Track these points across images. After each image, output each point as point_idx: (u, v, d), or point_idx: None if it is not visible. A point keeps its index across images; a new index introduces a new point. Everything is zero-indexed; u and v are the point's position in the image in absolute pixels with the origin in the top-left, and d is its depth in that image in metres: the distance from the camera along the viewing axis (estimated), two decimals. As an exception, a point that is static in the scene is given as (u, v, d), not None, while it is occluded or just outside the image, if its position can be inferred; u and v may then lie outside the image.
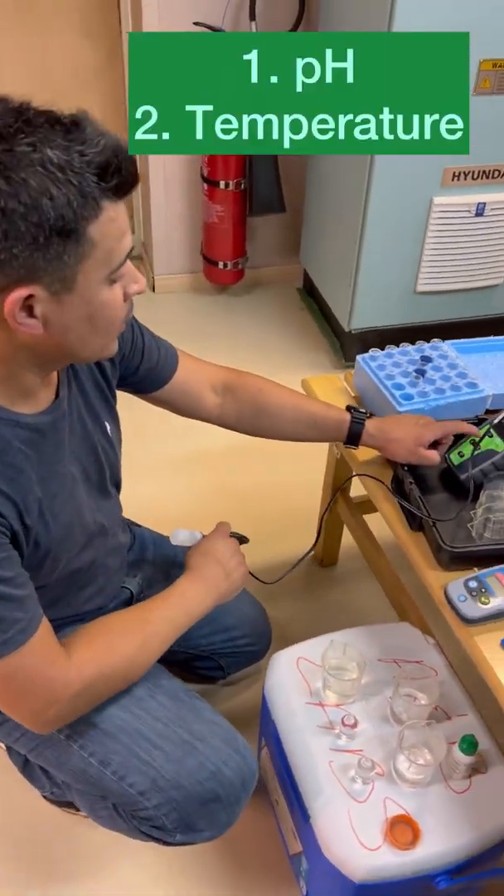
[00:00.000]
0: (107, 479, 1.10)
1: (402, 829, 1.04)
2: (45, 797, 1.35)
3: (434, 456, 1.27)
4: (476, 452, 1.28)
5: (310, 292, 2.86)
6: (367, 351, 1.52)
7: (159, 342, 1.18)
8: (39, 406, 0.92)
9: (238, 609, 1.43)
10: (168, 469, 2.10)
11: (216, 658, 1.46)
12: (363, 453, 1.41)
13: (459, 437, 1.32)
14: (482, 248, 2.27)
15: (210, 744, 1.07)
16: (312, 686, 1.20)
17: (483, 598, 1.09)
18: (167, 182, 2.66)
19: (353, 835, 1.03)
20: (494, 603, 1.08)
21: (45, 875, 1.29)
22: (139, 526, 1.44)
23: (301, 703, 1.18)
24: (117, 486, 1.17)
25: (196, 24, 2.34)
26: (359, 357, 1.51)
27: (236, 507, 1.96)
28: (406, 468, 1.29)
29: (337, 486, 1.62)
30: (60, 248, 0.75)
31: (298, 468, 2.07)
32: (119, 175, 0.76)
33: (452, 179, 2.14)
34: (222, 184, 2.53)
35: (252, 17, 2.35)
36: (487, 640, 1.07)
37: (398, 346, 1.55)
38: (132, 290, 0.86)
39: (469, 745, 1.06)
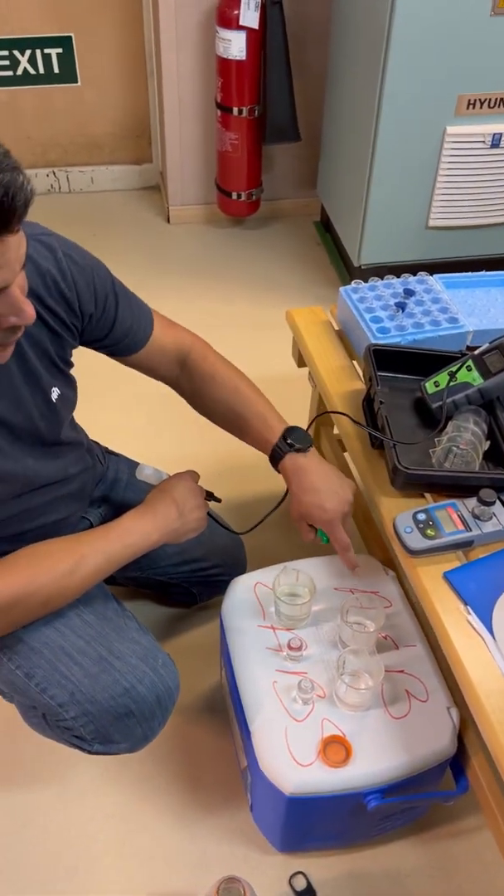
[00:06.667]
0: (45, 440, 1.08)
1: (336, 749, 1.07)
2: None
3: (307, 535, 1.20)
4: (451, 384, 1.27)
5: (326, 227, 2.80)
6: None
7: (135, 311, 1.13)
8: None
9: (209, 540, 1.44)
10: (159, 403, 2.10)
11: (186, 586, 1.50)
12: (337, 388, 1.40)
13: (437, 367, 1.30)
14: (498, 181, 2.19)
15: (127, 661, 1.10)
16: (266, 610, 1.23)
17: (430, 531, 1.09)
18: (182, 108, 2.60)
19: (287, 751, 1.07)
20: (440, 537, 1.08)
21: (11, 777, 1.37)
22: (117, 456, 1.45)
23: (253, 626, 1.21)
24: (70, 442, 1.16)
25: None
26: (341, 289, 1.49)
27: (222, 448, 1.96)
28: (381, 388, 1.27)
29: (310, 423, 1.62)
30: None
31: (292, 408, 2.06)
32: None
33: (467, 108, 2.05)
34: (235, 110, 2.47)
35: None
36: (430, 571, 1.08)
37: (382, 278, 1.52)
38: (9, 323, 0.83)
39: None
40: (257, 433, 1.20)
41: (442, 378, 1.28)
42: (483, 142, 2.09)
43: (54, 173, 2.96)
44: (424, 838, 1.29)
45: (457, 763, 1.13)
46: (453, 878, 1.25)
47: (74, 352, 1.11)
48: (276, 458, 1.19)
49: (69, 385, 1.10)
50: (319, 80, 2.54)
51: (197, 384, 1.22)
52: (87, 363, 1.18)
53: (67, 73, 2.77)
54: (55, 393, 1.05)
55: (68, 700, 1.08)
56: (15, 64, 2.72)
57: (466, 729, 1.11)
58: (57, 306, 1.00)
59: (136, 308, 1.14)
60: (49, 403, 1.05)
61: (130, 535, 1.10)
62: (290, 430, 1.18)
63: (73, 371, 1.12)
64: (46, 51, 2.71)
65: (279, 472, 1.19)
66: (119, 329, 1.11)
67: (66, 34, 2.69)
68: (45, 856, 1.27)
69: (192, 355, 1.22)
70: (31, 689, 1.10)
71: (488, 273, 1.57)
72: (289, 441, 1.17)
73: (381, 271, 2.35)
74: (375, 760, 1.06)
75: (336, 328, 1.55)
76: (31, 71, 2.74)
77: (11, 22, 2.62)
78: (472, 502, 1.12)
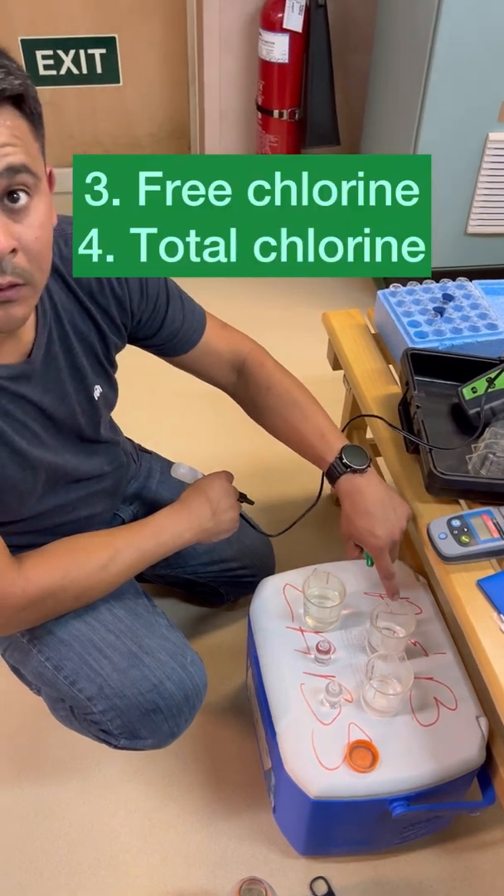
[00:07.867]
0: (84, 437, 1.09)
1: (362, 754, 1.06)
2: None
3: (352, 553, 1.19)
4: (489, 390, 1.25)
5: (363, 231, 2.79)
6: (413, 294, 1.49)
7: (187, 311, 1.13)
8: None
9: (239, 541, 1.45)
10: (194, 402, 2.12)
11: (214, 586, 1.50)
12: (372, 391, 1.39)
13: (475, 373, 1.29)
14: (539, 189, 2.16)
15: (156, 657, 1.10)
16: (295, 612, 1.22)
17: (464, 538, 1.07)
18: (222, 110, 2.62)
19: (313, 754, 1.06)
20: (475, 544, 1.07)
21: (36, 769, 1.38)
22: (150, 453, 1.46)
23: (281, 627, 1.20)
24: (107, 441, 1.16)
25: None
26: (379, 292, 1.48)
27: (255, 449, 1.97)
28: (418, 392, 1.26)
29: (345, 426, 1.61)
30: None
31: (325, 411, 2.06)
32: None
33: (511, 114, 2.03)
34: (276, 113, 2.47)
35: None
36: (463, 578, 1.06)
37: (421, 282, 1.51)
38: None
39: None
40: (313, 450, 1.18)
41: (480, 384, 1.27)
42: (526, 148, 2.07)
43: (94, 172, 2.99)
44: (448, 849, 1.27)
45: (484, 774, 1.11)
46: (476, 891, 1.23)
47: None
48: (332, 477, 1.16)
49: (111, 385, 1.11)
50: (361, 84, 2.54)
51: (252, 394, 1.21)
52: (123, 361, 1.18)
53: (110, 74, 2.80)
54: (97, 391, 1.06)
55: (97, 694, 1.09)
56: (59, 63, 2.75)
57: (495, 739, 1.09)
58: (108, 303, 1.01)
59: (188, 309, 1.13)
60: (91, 401, 1.06)
61: (164, 533, 1.10)
62: (347, 449, 1.16)
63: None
64: (90, 51, 2.74)
65: (335, 489, 1.17)
66: (168, 328, 1.10)
67: (109, 35, 2.72)
68: (67, 849, 1.28)
69: (249, 362, 1.20)
70: (60, 681, 1.11)
71: (529, 280, 1.55)
72: (344, 461, 1.15)
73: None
74: (402, 767, 1.05)
75: (372, 332, 1.54)
76: (75, 71, 2.78)
77: (56, 22, 2.66)
78: (507, 510, 1.10)
